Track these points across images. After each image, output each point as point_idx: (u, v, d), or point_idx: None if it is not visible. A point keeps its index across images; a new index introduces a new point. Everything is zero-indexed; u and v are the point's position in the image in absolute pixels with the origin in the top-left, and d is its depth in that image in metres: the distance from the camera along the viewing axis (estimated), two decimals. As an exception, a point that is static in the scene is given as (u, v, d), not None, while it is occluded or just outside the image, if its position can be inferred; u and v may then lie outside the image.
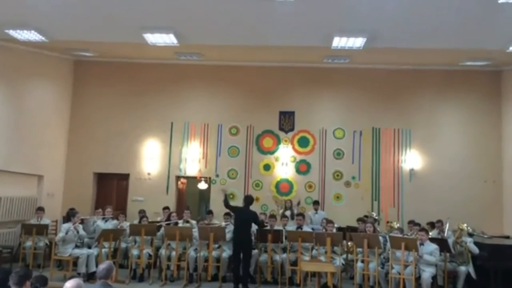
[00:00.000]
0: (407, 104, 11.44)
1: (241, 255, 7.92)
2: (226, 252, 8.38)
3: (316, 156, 11.42)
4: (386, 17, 7.88)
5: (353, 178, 11.29)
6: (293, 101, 11.58)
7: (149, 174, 11.51)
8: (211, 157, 11.55)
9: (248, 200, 8.39)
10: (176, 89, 11.69)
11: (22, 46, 10.19)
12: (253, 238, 8.39)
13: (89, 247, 8.74)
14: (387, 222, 9.90)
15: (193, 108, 11.66)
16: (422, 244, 7.35)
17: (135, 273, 8.48)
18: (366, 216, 9.89)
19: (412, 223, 8.95)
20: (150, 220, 9.26)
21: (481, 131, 11.23)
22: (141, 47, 9.94)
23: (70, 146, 11.66)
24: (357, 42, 8.96)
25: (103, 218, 9.45)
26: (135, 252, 8.52)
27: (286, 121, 11.57)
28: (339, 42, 9.02)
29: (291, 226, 9.07)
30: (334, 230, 8.57)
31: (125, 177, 11.62)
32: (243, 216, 8.12)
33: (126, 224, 9.25)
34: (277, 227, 8.81)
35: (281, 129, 11.57)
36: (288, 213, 9.94)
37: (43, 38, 9.39)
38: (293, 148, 11.49)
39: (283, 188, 11.34)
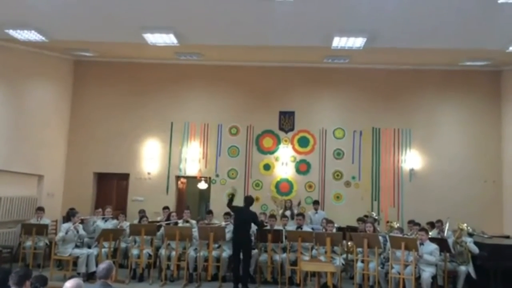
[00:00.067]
0: (407, 104, 11.44)
1: (241, 255, 7.92)
2: (226, 252, 8.39)
3: (316, 156, 11.42)
4: (386, 17, 7.88)
5: (353, 178, 11.29)
6: (293, 101, 11.58)
7: (149, 174, 11.52)
8: (211, 157, 11.55)
9: (249, 200, 8.40)
10: (176, 89, 11.69)
11: (22, 46, 10.19)
12: (252, 238, 8.40)
13: (89, 247, 8.74)
14: (387, 222, 9.90)
15: (193, 108, 11.66)
16: (422, 244, 7.35)
17: (135, 273, 8.48)
18: (366, 216, 9.88)
19: (412, 223, 8.94)
20: (150, 220, 9.25)
21: (481, 131, 11.23)
22: (141, 47, 9.94)
23: (70, 146, 11.67)
24: (357, 42, 8.97)
25: (103, 218, 9.45)
26: (135, 252, 8.52)
27: (286, 121, 11.56)
28: (339, 42, 9.02)
29: (291, 226, 9.07)
30: (334, 230, 8.57)
31: (125, 177, 11.62)
32: (243, 216, 8.12)
33: (126, 224, 9.26)
34: (277, 227, 8.81)
35: (281, 129, 11.57)
36: (288, 213, 9.93)
37: (43, 38, 9.40)
38: (293, 148, 11.49)
39: (283, 188, 11.34)
